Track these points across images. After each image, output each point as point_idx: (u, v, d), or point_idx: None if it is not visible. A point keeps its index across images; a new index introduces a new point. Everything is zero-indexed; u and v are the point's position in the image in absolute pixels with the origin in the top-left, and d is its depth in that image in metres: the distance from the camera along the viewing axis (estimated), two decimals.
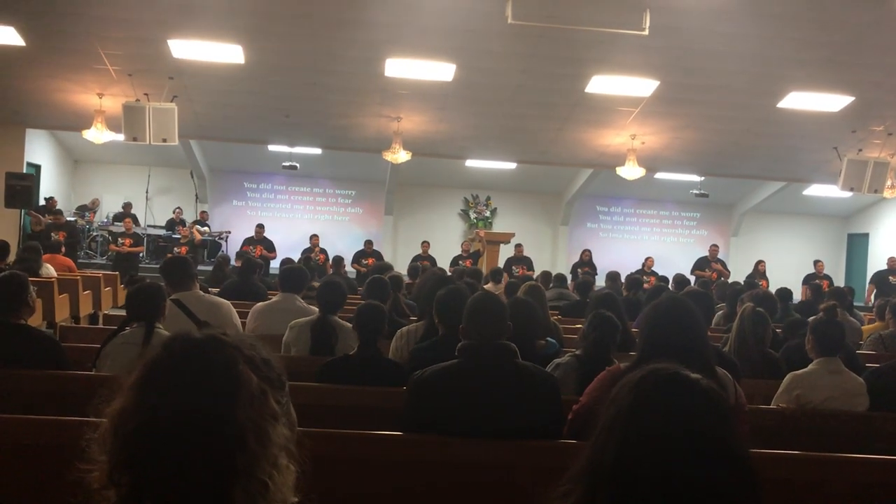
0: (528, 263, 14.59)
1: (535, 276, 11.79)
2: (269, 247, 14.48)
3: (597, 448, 1.31)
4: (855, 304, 11.51)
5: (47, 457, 2.51)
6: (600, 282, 12.65)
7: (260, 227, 14.93)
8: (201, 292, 4.62)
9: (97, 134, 12.31)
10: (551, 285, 9.66)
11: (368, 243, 15.12)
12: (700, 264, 14.84)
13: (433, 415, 2.79)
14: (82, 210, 16.37)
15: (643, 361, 2.73)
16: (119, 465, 1.17)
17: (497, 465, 2.77)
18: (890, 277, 13.73)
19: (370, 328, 3.80)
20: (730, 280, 13.16)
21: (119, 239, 13.92)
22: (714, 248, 15.32)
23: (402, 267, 12.78)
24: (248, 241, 14.59)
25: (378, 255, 14.35)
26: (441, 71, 10.87)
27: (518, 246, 14.88)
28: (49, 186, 16.33)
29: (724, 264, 15.03)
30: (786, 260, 17.97)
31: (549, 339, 4.47)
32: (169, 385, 1.20)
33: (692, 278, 13.01)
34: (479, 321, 2.87)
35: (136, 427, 1.17)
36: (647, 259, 15.33)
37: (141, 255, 15.10)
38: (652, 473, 1.23)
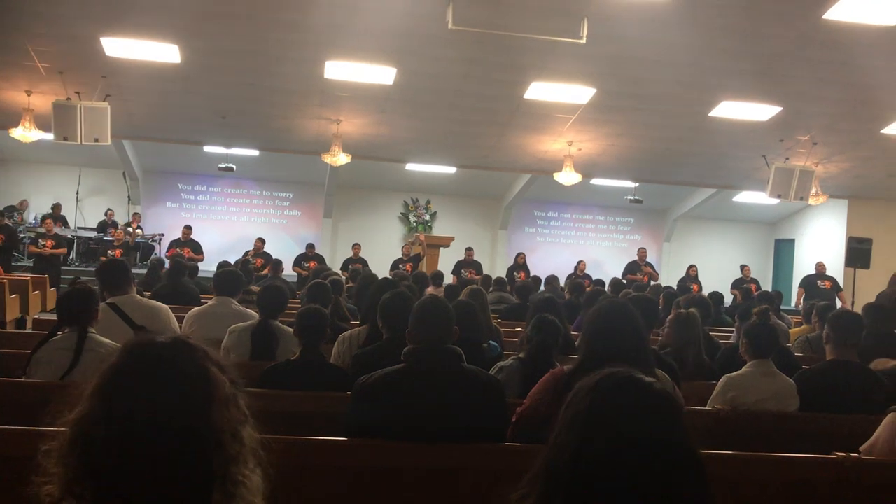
0: (477, 267, 14.64)
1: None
2: (197, 249, 13.91)
3: (553, 450, 1.34)
4: (784, 307, 11.92)
5: (16, 469, 2.40)
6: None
7: (187, 228, 14.38)
8: (139, 297, 4.51)
9: (25, 132, 11.91)
10: (491, 289, 9.73)
11: (310, 247, 14.93)
12: (631, 268, 15.11)
13: (378, 420, 2.78)
14: (10, 211, 15.79)
15: (585, 364, 2.80)
16: (80, 476, 1.14)
17: (443, 468, 2.78)
18: (818, 282, 14.20)
19: (312, 333, 3.77)
20: (662, 283, 13.46)
21: (40, 241, 13.29)
22: (642, 252, 15.59)
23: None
24: (175, 244, 14.12)
25: (320, 259, 14.19)
26: (381, 74, 10.85)
27: (469, 249, 14.96)
28: None
29: (653, 267, 15.35)
30: (716, 264, 18.48)
31: (491, 342, 4.50)
32: (141, 390, 1.18)
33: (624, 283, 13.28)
34: (425, 325, 2.88)
35: (107, 435, 1.14)
36: (579, 262, 15.60)
37: (66, 256, 14.60)
38: (609, 473, 1.27)
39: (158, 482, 1.13)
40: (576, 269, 15.37)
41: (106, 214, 16.03)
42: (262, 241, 14.60)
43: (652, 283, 13.49)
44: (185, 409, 1.17)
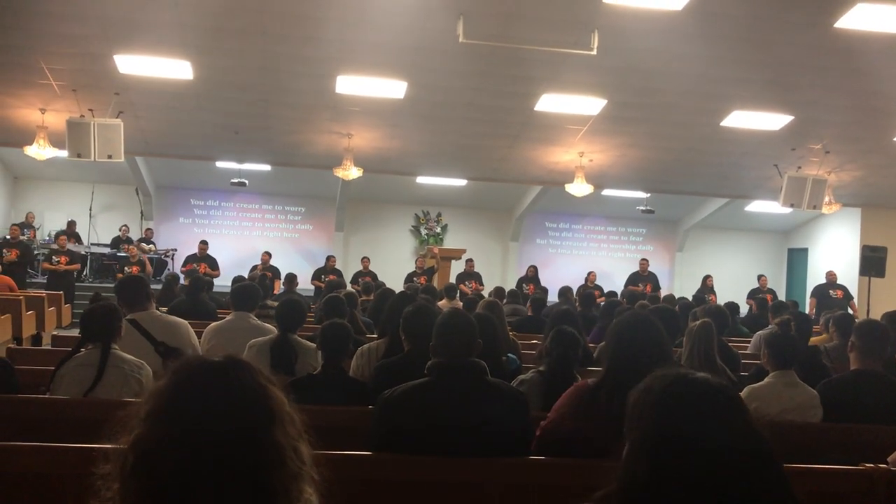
0: (478, 279, 14.63)
1: (485, 292, 11.84)
2: (213, 264, 13.98)
3: (628, 463, 1.33)
4: None
5: (42, 486, 2.39)
6: (550, 297, 12.77)
7: (203, 243, 14.43)
8: (158, 312, 4.52)
9: (39, 150, 12.00)
10: (505, 301, 9.70)
11: (330, 259, 14.95)
12: (633, 279, 15.07)
13: (402, 433, 2.78)
14: (21, 227, 15.87)
15: (610, 376, 2.79)
16: (143, 499, 1.13)
17: (467, 482, 2.77)
18: (830, 291, 14.12)
19: (335, 347, 3.78)
20: (676, 294, 13.40)
21: (54, 257, 13.33)
22: (644, 262, 15.54)
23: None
24: (191, 259, 14.16)
25: (338, 273, 14.16)
26: (392, 88, 10.90)
27: (469, 261, 14.93)
28: None
29: (654, 281, 15.30)
30: (729, 274, 18.38)
31: (509, 354, 4.50)
32: (205, 410, 1.17)
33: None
34: (449, 339, 2.87)
35: (172, 456, 1.13)
36: (589, 273, 15.57)
37: (80, 273, 14.65)
38: (686, 473, 1.26)
39: (224, 501, 1.12)
40: (586, 280, 15.34)
41: (120, 230, 16.09)
42: (268, 254, 14.68)
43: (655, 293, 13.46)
44: (249, 426, 1.17)
